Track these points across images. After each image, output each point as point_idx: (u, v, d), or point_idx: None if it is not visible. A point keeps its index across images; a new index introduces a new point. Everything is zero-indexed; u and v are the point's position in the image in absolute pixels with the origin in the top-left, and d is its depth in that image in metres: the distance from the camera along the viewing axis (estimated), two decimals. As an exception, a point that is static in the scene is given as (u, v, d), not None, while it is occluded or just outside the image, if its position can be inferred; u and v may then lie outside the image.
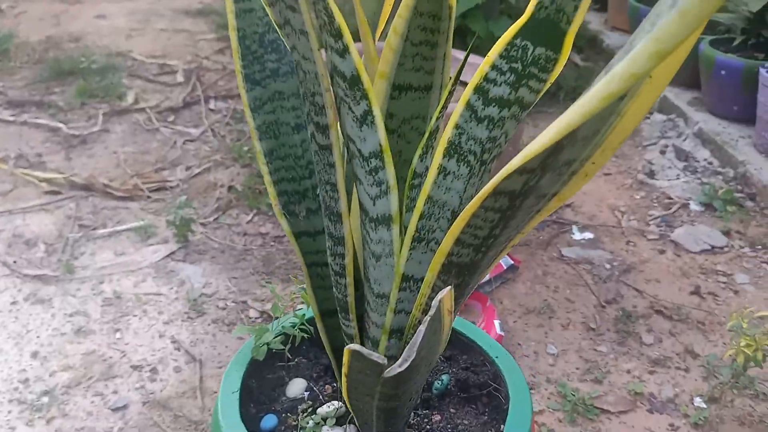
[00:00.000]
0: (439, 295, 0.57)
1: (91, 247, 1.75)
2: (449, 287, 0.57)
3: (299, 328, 0.99)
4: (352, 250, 0.74)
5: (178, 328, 1.47)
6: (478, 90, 0.62)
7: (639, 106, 0.55)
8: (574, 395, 1.30)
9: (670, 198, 2.06)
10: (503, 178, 0.52)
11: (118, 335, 1.44)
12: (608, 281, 1.66)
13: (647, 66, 0.40)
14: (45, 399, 1.26)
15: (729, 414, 1.28)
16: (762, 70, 2.13)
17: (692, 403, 1.30)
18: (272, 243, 1.81)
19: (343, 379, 0.64)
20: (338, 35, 0.60)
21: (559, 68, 0.61)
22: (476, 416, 0.95)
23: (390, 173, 0.67)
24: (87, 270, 1.65)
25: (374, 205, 0.69)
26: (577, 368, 1.39)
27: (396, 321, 0.74)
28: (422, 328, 0.57)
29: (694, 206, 2.00)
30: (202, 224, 1.87)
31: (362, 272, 0.76)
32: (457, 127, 0.64)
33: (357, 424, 0.91)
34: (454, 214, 0.68)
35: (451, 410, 0.96)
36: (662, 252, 1.79)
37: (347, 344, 0.82)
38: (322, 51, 0.65)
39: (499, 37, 0.63)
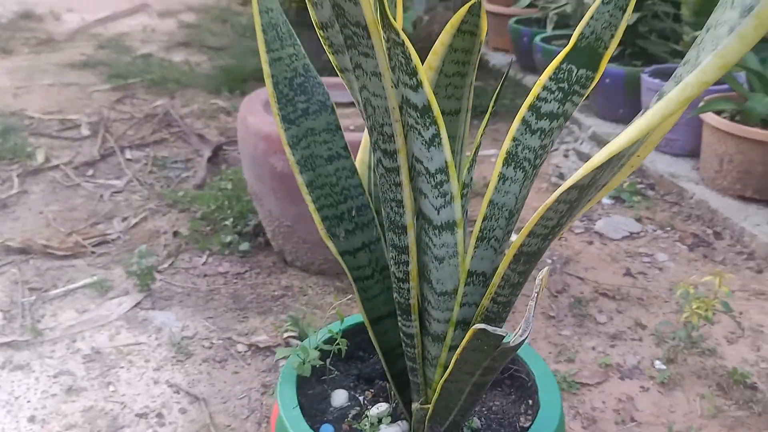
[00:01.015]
0: (540, 274, 0.69)
1: (49, 308, 1.71)
2: (547, 267, 0.69)
3: (325, 346, 1.08)
4: (416, 257, 0.83)
5: (171, 372, 1.48)
6: (532, 107, 0.75)
7: (676, 115, 0.70)
8: (555, 375, 1.45)
9: (584, 195, 2.30)
10: (582, 176, 0.65)
11: (111, 388, 1.42)
12: (554, 274, 1.85)
13: (716, 75, 0.55)
14: (57, 461, 1.24)
15: (686, 371, 1.48)
16: (643, 76, 2.44)
17: (654, 367, 1.49)
18: (235, 281, 1.84)
19: (454, 360, 0.73)
20: (413, 73, 0.71)
21: (593, 84, 0.75)
22: (505, 396, 1.07)
23: (454, 185, 0.78)
24: (55, 331, 1.61)
25: (438, 214, 0.79)
26: (550, 352, 1.55)
27: (461, 313, 0.84)
28: (532, 303, 0.68)
29: (605, 200, 2.25)
30: (158, 272, 1.87)
31: (420, 276, 0.86)
32: (514, 139, 0.76)
33: (409, 420, 1.00)
34: (511, 214, 0.80)
35: (482, 396, 1.07)
36: (590, 243, 2.01)
37: (405, 344, 0.92)
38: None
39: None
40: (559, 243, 2.01)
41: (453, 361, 0.73)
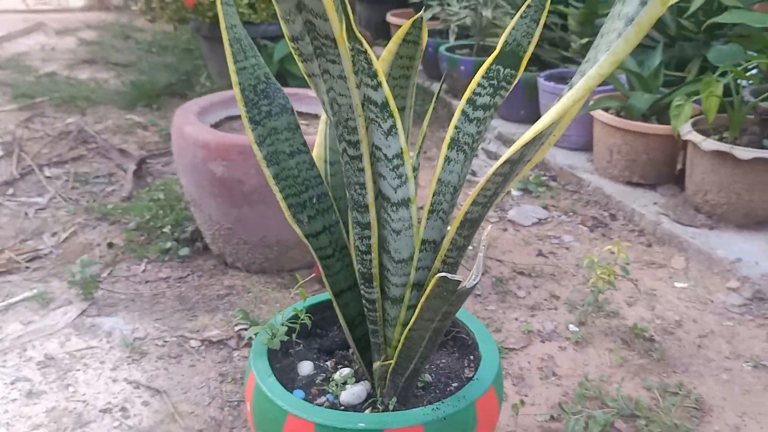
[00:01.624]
0: (486, 230, 0.85)
1: (-8, 322, 1.72)
2: (490, 226, 0.85)
3: (290, 323, 1.20)
4: (377, 232, 0.98)
5: (128, 371, 1.54)
6: (469, 101, 0.91)
7: (581, 101, 0.88)
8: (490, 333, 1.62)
9: (494, 189, 2.52)
10: (513, 151, 0.82)
11: (71, 389, 1.47)
12: (475, 258, 2.04)
13: (610, 69, 0.73)
14: (31, 458, 1.29)
15: (595, 331, 1.70)
16: (540, 80, 2.70)
17: (568, 330, 1.70)
18: (178, 284, 1.92)
19: (419, 306, 0.88)
20: (374, 75, 0.86)
21: (516, 81, 0.92)
22: (450, 355, 1.23)
23: (408, 168, 0.93)
24: (3, 342, 1.63)
25: (396, 192, 0.94)
26: (478, 326, 1.73)
27: (417, 277, 1.00)
28: (480, 254, 0.84)
29: (515, 192, 2.48)
30: (98, 281, 1.92)
31: (380, 248, 1.01)
32: (456, 127, 0.92)
33: (370, 379, 1.14)
34: (455, 189, 0.96)
35: (437, 346, 1.23)
36: (505, 230, 2.23)
37: (367, 309, 1.06)
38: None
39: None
40: (477, 232, 2.21)
41: (419, 307, 0.88)
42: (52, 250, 2.10)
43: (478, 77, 0.91)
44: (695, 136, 2.04)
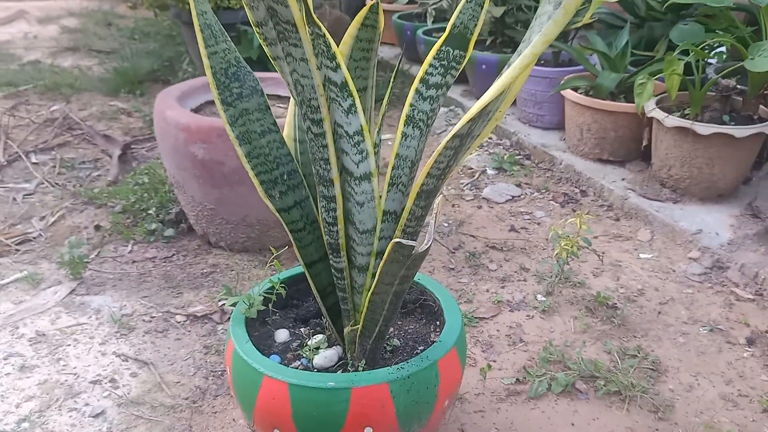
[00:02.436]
0: (437, 199, 0.92)
1: (-17, 302, 1.79)
2: (441, 194, 0.93)
3: (267, 294, 1.28)
4: (342, 205, 1.06)
5: (117, 345, 1.62)
6: (422, 81, 0.99)
7: (521, 78, 0.95)
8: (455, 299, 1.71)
9: (472, 168, 2.60)
10: (461, 126, 0.89)
11: (62, 363, 1.55)
12: (450, 234, 2.12)
13: (542, 49, 0.81)
14: (25, 425, 1.36)
15: (561, 300, 1.79)
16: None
17: (536, 299, 1.79)
18: (164, 264, 1.99)
19: (378, 271, 0.96)
20: (333, 57, 0.93)
21: (465, 61, 0.99)
22: (417, 321, 1.32)
23: (369, 143, 1.00)
24: (-4, 321, 1.70)
25: (358, 167, 1.02)
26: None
27: (380, 246, 1.07)
28: (431, 220, 0.91)
29: (490, 171, 2.56)
30: (86, 262, 1.98)
31: (346, 220, 1.09)
32: (411, 105, 1.00)
33: (342, 344, 1.22)
34: (413, 163, 1.03)
35: (399, 322, 1.31)
36: (479, 207, 2.31)
37: (336, 278, 1.14)
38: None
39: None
40: (453, 210, 2.29)
41: (378, 272, 0.96)
42: (41, 234, 2.16)
43: (429, 58, 0.98)
44: (658, 113, 2.12)
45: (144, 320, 1.71)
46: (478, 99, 2.76)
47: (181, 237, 2.11)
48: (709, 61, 2.39)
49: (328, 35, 0.91)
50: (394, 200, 1.05)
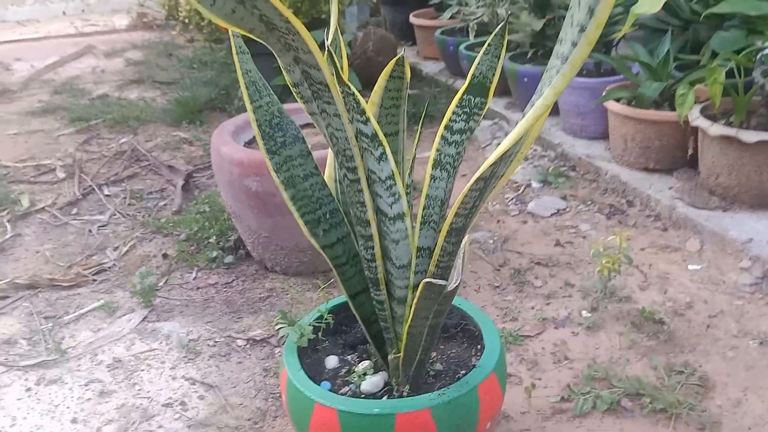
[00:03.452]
0: (465, 240, 1.00)
1: (66, 331, 1.95)
2: (468, 236, 1.00)
3: (316, 323, 1.37)
4: (379, 242, 1.14)
5: (185, 369, 1.75)
6: (447, 127, 1.06)
7: (536, 125, 1.02)
8: (503, 333, 1.77)
9: (517, 182, 2.65)
10: (483, 170, 0.96)
11: (137, 388, 1.69)
12: (496, 251, 2.18)
13: (552, 101, 0.87)
14: (106, 448, 1.51)
15: (607, 316, 1.82)
16: (556, 74, 2.80)
17: (581, 316, 1.83)
18: (225, 289, 2.12)
19: (413, 307, 1.04)
20: (363, 113, 1.01)
21: (486, 108, 1.06)
22: (459, 345, 1.39)
23: (400, 187, 1.09)
24: (77, 348, 1.86)
25: (391, 208, 1.10)
26: (497, 315, 1.87)
27: (416, 279, 1.15)
28: (458, 261, 0.99)
29: (535, 184, 2.60)
30: (156, 289, 2.13)
31: (384, 256, 1.17)
32: (437, 150, 1.07)
33: (387, 369, 1.30)
34: (443, 203, 1.11)
35: (441, 347, 1.38)
36: (525, 222, 2.35)
37: (378, 309, 1.22)
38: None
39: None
40: (498, 225, 2.34)
41: (413, 308, 1.04)
42: (115, 263, 2.33)
43: (452, 106, 1.06)
44: (703, 122, 2.12)
45: (209, 345, 1.84)
46: (521, 111, 2.85)
47: (240, 262, 2.24)
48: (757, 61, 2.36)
49: (356, 93, 1.00)
50: (427, 237, 1.13)
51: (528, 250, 2.17)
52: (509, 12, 3.10)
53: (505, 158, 1.00)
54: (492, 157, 0.95)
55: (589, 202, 2.43)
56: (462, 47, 3.38)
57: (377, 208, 1.12)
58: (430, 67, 4.00)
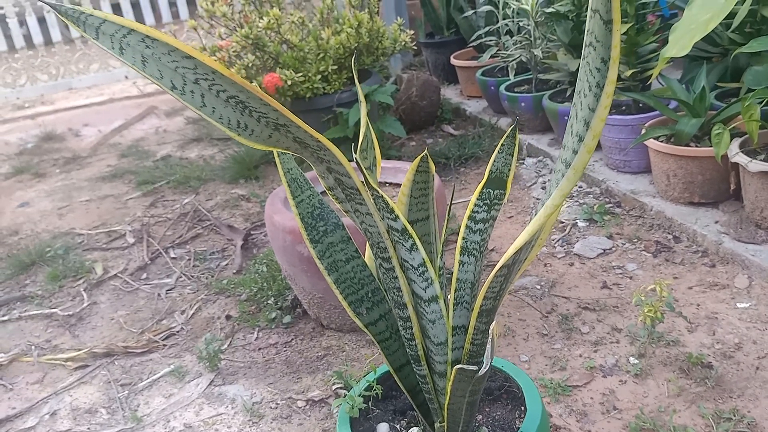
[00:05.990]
0: (492, 325, 1.07)
1: (140, 398, 2.11)
2: (495, 321, 1.08)
3: (365, 393, 1.46)
4: (417, 323, 1.23)
5: (251, 433, 1.87)
6: (470, 218, 1.15)
7: (549, 222, 1.09)
8: (551, 383, 1.82)
9: (562, 222, 2.69)
10: (506, 259, 1.04)
11: (208, 453, 1.82)
12: (543, 297, 2.23)
13: (560, 201, 0.95)
14: None
15: (655, 361, 1.85)
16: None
17: (629, 362, 1.86)
18: (284, 349, 2.24)
19: (449, 389, 1.12)
20: (392, 211, 1.11)
21: (505, 198, 1.15)
22: (504, 407, 1.45)
23: (432, 272, 1.17)
24: (151, 416, 2.01)
25: (425, 292, 1.19)
26: (546, 365, 1.92)
27: (453, 355, 1.23)
28: (489, 346, 1.06)
29: (581, 223, 2.63)
30: (221, 352, 2.27)
31: (423, 334, 1.25)
32: (463, 238, 1.16)
33: (435, 435, 1.38)
34: (473, 285, 1.19)
35: (486, 409, 1.45)
36: (571, 264, 2.39)
37: (421, 382, 1.31)
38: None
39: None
40: (545, 269, 2.39)
41: (449, 390, 1.12)
42: (183, 327, 2.49)
43: (474, 199, 1.15)
44: (741, 158, 2.13)
45: (271, 407, 1.95)
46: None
47: (298, 321, 2.36)
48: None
49: (384, 195, 1.10)
50: (461, 317, 1.21)
51: (575, 294, 2.21)
52: (546, 53, 3.17)
53: (525, 248, 1.08)
54: (513, 247, 1.03)
55: (636, 240, 2.45)
56: (502, 88, 3.45)
57: (412, 292, 1.21)
58: (474, 106, 4.08)
